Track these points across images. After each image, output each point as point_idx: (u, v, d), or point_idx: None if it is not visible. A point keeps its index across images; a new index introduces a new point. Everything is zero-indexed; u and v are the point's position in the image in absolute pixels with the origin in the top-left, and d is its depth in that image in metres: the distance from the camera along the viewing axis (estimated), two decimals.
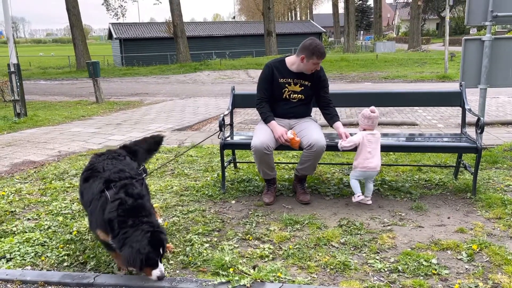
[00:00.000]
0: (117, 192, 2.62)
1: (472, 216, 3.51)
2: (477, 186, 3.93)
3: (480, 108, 5.28)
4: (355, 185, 3.78)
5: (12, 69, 9.05)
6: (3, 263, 2.94)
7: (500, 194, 3.89)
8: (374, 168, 3.70)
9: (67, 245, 3.13)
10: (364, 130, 3.74)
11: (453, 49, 25.27)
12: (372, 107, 3.75)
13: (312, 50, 3.69)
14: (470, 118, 4.47)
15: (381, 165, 4.83)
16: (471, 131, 4.26)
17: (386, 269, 2.72)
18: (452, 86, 11.86)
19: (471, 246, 2.94)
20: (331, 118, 3.96)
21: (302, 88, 3.91)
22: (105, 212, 2.57)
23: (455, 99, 4.35)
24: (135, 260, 2.45)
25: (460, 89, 4.31)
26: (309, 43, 3.74)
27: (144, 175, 2.99)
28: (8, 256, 3.02)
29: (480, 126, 3.83)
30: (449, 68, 17.68)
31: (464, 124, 4.36)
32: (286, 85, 3.89)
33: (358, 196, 3.75)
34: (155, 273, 2.53)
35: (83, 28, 27.25)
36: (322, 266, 2.77)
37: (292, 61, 3.88)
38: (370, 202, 3.76)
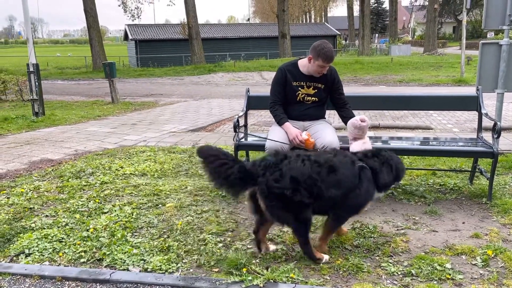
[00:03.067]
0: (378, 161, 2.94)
1: (488, 221, 3.48)
2: (493, 192, 3.90)
3: (497, 113, 5.23)
4: None
5: (31, 69, 9.22)
6: (22, 258, 3.01)
7: None
8: None
9: (84, 242, 3.20)
10: (354, 139, 3.61)
11: (470, 52, 24.98)
12: (362, 116, 3.59)
13: (318, 52, 3.66)
14: (486, 122, 4.43)
15: None
16: (487, 136, 4.22)
17: (399, 273, 2.72)
18: (468, 90, 11.72)
19: (486, 252, 2.92)
20: (348, 121, 3.95)
21: (316, 90, 3.91)
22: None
23: (471, 103, 4.31)
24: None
25: (476, 93, 4.27)
26: (318, 44, 3.71)
27: None
28: (27, 251, 3.09)
29: (496, 130, 3.79)
30: (465, 72, 17.50)
31: (480, 128, 4.32)
32: (300, 88, 3.89)
33: None
34: None
35: (100, 29, 27.67)
36: (335, 268, 2.78)
37: (304, 64, 3.88)
38: None
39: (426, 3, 38.66)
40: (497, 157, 3.79)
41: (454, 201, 3.94)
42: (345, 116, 3.94)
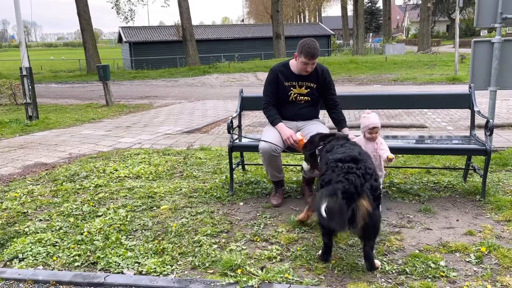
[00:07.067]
0: None
1: (481, 218, 3.50)
2: (486, 189, 3.92)
3: (490, 110, 5.25)
4: None
5: (24, 73, 9.19)
6: (15, 263, 3.00)
7: (510, 196, 3.86)
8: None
9: (78, 246, 3.18)
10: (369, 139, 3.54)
11: (464, 51, 25.09)
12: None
13: (301, 49, 3.67)
14: (480, 120, 4.45)
15: (390, 167, 4.85)
16: (480, 133, 4.24)
17: (393, 271, 2.72)
18: (462, 88, 11.79)
19: (479, 249, 2.93)
20: (338, 122, 3.96)
21: (308, 90, 3.92)
22: None
23: (464, 101, 4.33)
24: None
25: (469, 91, 4.29)
26: (302, 41, 3.72)
27: None
28: (20, 256, 3.07)
29: (489, 128, 3.81)
30: (459, 70, 17.56)
31: (473, 126, 4.34)
32: (292, 88, 3.90)
33: None
34: None
35: (93, 32, 27.58)
36: (330, 268, 2.79)
37: (295, 63, 3.89)
38: None
39: (420, 2, 38.82)
40: (490, 154, 3.81)
41: (448, 198, 3.96)
42: (336, 118, 3.97)
